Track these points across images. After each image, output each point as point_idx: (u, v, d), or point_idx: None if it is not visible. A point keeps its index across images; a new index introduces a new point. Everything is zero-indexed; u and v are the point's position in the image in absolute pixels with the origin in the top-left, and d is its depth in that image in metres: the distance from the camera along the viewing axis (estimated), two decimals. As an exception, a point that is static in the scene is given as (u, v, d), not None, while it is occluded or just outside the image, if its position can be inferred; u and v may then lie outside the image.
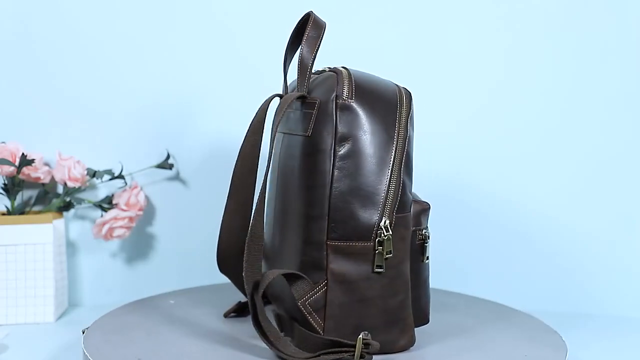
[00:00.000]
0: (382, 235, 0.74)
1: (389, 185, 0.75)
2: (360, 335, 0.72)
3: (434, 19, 1.15)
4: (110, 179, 1.14)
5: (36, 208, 1.14)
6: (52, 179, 1.12)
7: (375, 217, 0.75)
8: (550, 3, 1.12)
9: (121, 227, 1.11)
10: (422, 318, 0.81)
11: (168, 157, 1.15)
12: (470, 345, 0.80)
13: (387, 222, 0.75)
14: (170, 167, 1.15)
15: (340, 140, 0.75)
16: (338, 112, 0.75)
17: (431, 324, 0.85)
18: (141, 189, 1.14)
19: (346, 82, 0.76)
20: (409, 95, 0.78)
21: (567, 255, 1.13)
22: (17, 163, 1.07)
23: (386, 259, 0.74)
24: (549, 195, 1.13)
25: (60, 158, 1.10)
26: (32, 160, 1.06)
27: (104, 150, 1.16)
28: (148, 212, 1.17)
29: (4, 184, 1.09)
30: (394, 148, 0.76)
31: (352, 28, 1.12)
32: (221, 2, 1.16)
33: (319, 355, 0.73)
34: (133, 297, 1.04)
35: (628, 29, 1.11)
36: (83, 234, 1.17)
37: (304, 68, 0.79)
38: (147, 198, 1.17)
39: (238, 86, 1.15)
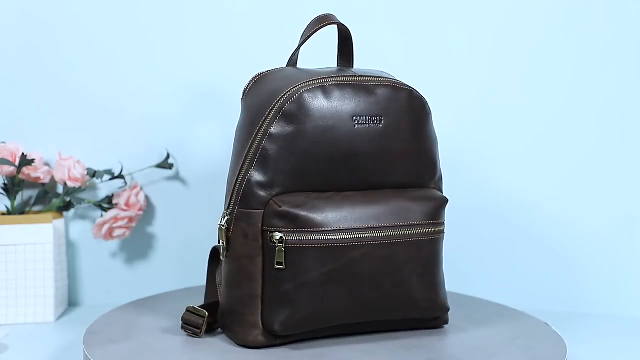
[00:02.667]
0: (221, 226, 0.79)
1: (236, 180, 0.79)
2: (188, 307, 0.82)
3: (432, 16, 1.15)
4: (110, 179, 1.14)
5: (36, 208, 1.14)
6: (52, 179, 1.12)
7: (224, 210, 0.80)
8: None
9: (121, 227, 1.11)
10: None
11: (168, 157, 1.15)
12: (470, 346, 0.80)
13: (226, 214, 0.79)
14: (170, 167, 1.15)
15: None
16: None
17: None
18: (141, 189, 1.14)
19: (251, 80, 0.85)
20: (292, 96, 0.77)
21: (567, 255, 1.12)
22: (17, 163, 1.07)
23: (227, 250, 0.79)
24: (549, 195, 1.13)
25: (60, 158, 1.10)
26: (32, 160, 1.06)
27: (104, 150, 1.16)
28: (148, 212, 1.17)
29: (4, 184, 1.09)
30: (249, 144, 0.78)
31: (351, 27, 1.12)
32: (223, 2, 1.16)
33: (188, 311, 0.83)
34: (133, 297, 1.04)
35: (628, 24, 1.11)
36: (83, 234, 1.17)
37: None
38: (147, 198, 1.17)
39: (238, 86, 1.15)
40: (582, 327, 1.03)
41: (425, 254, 0.80)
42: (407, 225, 0.79)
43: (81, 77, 1.16)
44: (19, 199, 1.13)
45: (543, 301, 1.12)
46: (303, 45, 0.87)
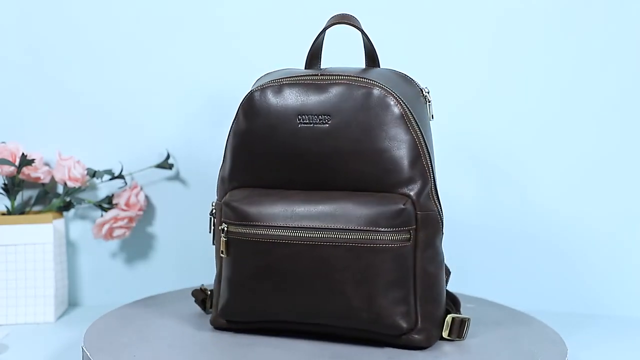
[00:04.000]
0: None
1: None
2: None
3: (433, 15, 1.15)
4: (110, 179, 1.14)
5: (36, 208, 1.14)
6: (52, 179, 1.12)
7: None
8: None
9: (121, 227, 1.11)
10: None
11: (168, 157, 1.15)
12: (470, 346, 0.80)
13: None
14: (170, 167, 1.15)
15: None
16: None
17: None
18: (141, 189, 1.14)
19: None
20: (247, 95, 0.82)
21: (568, 255, 1.12)
22: (17, 163, 1.07)
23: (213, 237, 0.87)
24: (551, 195, 1.13)
25: (60, 158, 1.10)
26: (32, 160, 1.06)
27: (104, 150, 1.16)
28: (148, 212, 1.17)
29: (4, 184, 1.09)
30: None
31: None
32: (221, 2, 1.16)
33: None
34: (133, 297, 1.04)
35: (628, 22, 1.11)
36: (83, 234, 1.17)
37: None
38: (147, 198, 1.17)
39: (238, 86, 1.15)
40: (583, 327, 1.03)
41: (364, 262, 0.75)
42: (345, 230, 0.75)
43: (81, 78, 1.16)
44: (19, 199, 1.13)
45: (543, 301, 1.12)
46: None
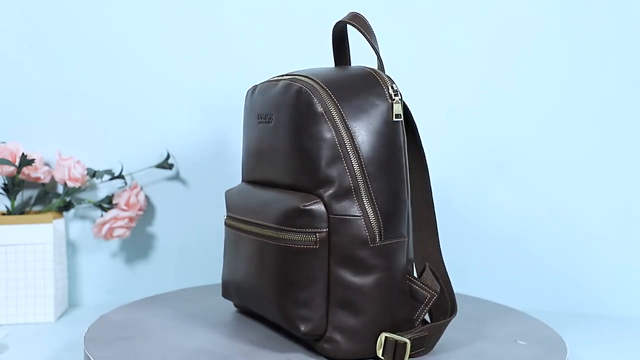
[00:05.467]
0: None
1: None
2: None
3: (431, 16, 1.15)
4: (110, 179, 1.14)
5: (36, 208, 1.14)
6: (52, 179, 1.12)
7: None
8: None
9: (121, 227, 1.11)
10: None
11: (168, 157, 1.15)
12: (470, 346, 0.80)
13: None
14: (170, 167, 1.15)
15: None
16: None
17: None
18: (141, 189, 1.14)
19: None
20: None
21: (567, 255, 1.12)
22: (17, 163, 1.07)
23: None
24: (549, 195, 1.13)
25: (60, 158, 1.10)
26: (32, 160, 1.06)
27: (104, 150, 1.16)
28: (148, 212, 1.17)
29: (4, 184, 1.09)
30: None
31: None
32: (222, 3, 1.16)
33: None
34: (133, 297, 1.04)
35: (627, 22, 1.11)
36: (83, 234, 1.17)
37: None
38: (147, 198, 1.17)
39: (238, 87, 1.15)
40: (582, 327, 1.03)
41: (273, 259, 0.75)
42: (263, 225, 0.77)
43: (81, 78, 1.16)
44: (19, 199, 1.13)
45: (543, 301, 1.12)
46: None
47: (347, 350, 0.73)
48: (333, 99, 0.74)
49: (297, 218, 0.73)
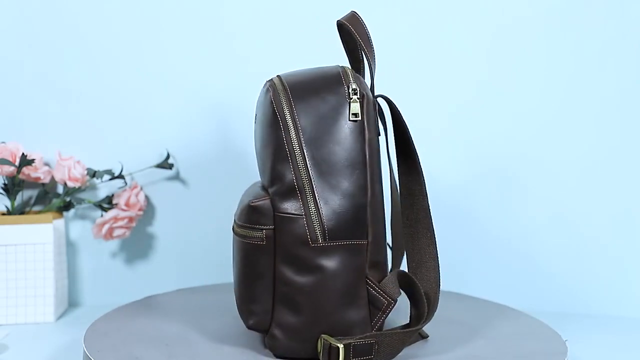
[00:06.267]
0: None
1: None
2: None
3: (431, 17, 1.15)
4: (110, 179, 1.14)
5: (36, 208, 1.14)
6: (52, 179, 1.12)
7: None
8: None
9: (121, 227, 1.11)
10: None
11: (168, 157, 1.15)
12: (470, 346, 0.80)
13: None
14: (170, 167, 1.15)
15: None
16: None
17: (431, 325, 0.85)
18: (141, 189, 1.14)
19: None
20: None
21: (567, 255, 1.12)
22: (17, 163, 1.07)
23: None
24: (549, 195, 1.13)
25: (60, 158, 1.10)
26: (32, 160, 1.06)
27: (104, 150, 1.16)
28: (148, 212, 1.17)
29: (4, 184, 1.09)
30: None
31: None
32: (222, 3, 1.16)
33: None
34: (133, 297, 1.04)
35: (627, 23, 1.11)
36: (83, 234, 1.17)
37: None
38: (147, 198, 1.17)
39: (238, 86, 1.15)
40: (582, 327, 1.03)
41: (235, 254, 0.78)
42: (235, 223, 0.78)
43: (81, 78, 1.16)
44: (19, 199, 1.13)
45: (543, 301, 1.12)
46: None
47: (286, 348, 0.74)
48: (289, 99, 0.74)
49: (249, 214, 0.74)
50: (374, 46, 0.80)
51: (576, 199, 1.12)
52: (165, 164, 1.15)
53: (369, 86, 0.78)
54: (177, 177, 1.18)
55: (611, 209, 1.11)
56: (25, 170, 1.08)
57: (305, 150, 0.73)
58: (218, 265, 1.14)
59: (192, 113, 1.16)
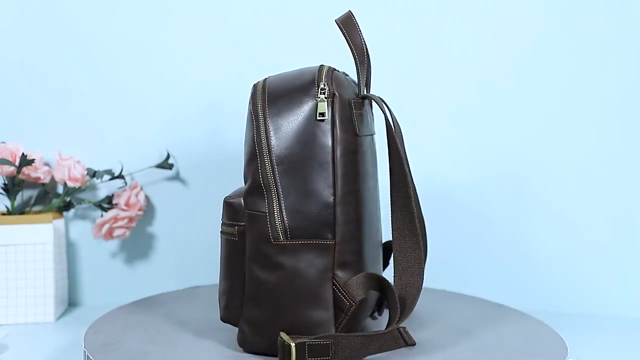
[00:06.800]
0: None
1: None
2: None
3: (431, 16, 1.15)
4: (110, 179, 1.14)
5: (36, 208, 1.14)
6: (52, 179, 1.12)
7: None
8: None
9: (121, 227, 1.11)
10: None
11: (168, 157, 1.15)
12: (470, 346, 0.80)
13: None
14: (170, 167, 1.15)
15: None
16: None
17: (431, 325, 0.85)
18: (141, 189, 1.14)
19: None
20: None
21: (568, 255, 1.12)
22: (17, 163, 1.07)
23: None
24: (548, 195, 1.13)
25: (60, 158, 1.10)
26: (32, 160, 1.06)
27: (104, 150, 1.16)
28: (148, 212, 1.17)
29: (4, 184, 1.09)
30: None
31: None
32: (221, 2, 1.16)
33: None
34: (133, 297, 1.05)
35: (627, 23, 1.11)
36: (83, 234, 1.17)
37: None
38: (147, 198, 1.17)
39: (238, 86, 1.15)
40: (582, 327, 1.03)
41: (221, 249, 0.79)
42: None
43: (81, 78, 1.16)
44: (19, 199, 1.13)
45: (543, 301, 1.12)
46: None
47: (252, 343, 0.76)
48: (265, 100, 0.75)
49: (227, 211, 0.77)
50: (368, 48, 0.78)
51: (576, 199, 1.12)
52: (165, 164, 1.15)
53: (362, 87, 0.78)
54: (177, 177, 1.18)
55: (611, 209, 1.11)
56: (25, 170, 1.09)
57: (273, 150, 0.74)
58: (218, 265, 1.14)
59: (192, 113, 1.16)
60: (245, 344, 0.77)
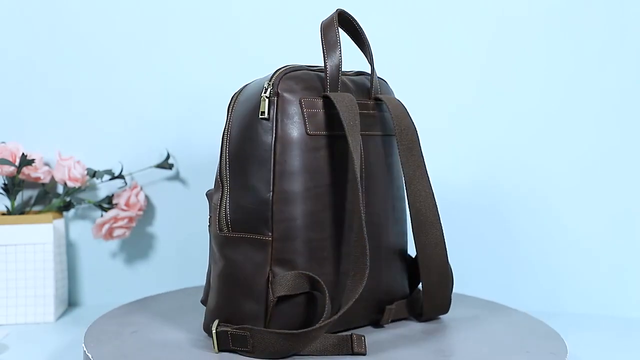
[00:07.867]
0: None
1: None
2: None
3: (431, 16, 1.15)
4: (110, 179, 1.14)
5: (36, 208, 1.14)
6: (52, 179, 1.12)
7: None
8: None
9: (121, 227, 1.11)
10: None
11: (168, 157, 1.15)
12: (470, 345, 0.80)
13: None
14: (170, 167, 1.15)
15: None
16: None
17: (431, 324, 0.85)
18: (141, 189, 1.14)
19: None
20: None
21: (567, 255, 1.13)
22: (17, 163, 1.07)
23: None
24: (548, 195, 1.13)
25: (60, 158, 1.10)
26: (32, 160, 1.06)
27: (104, 150, 1.16)
28: (148, 212, 1.17)
29: (4, 184, 1.09)
30: None
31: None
32: (221, 3, 1.16)
33: None
34: (133, 297, 1.05)
35: (627, 23, 1.11)
36: (83, 234, 1.17)
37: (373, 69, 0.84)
38: (147, 198, 1.17)
39: (239, 86, 1.15)
40: (582, 327, 1.03)
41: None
42: None
43: (81, 78, 1.16)
44: (19, 199, 1.13)
45: (543, 301, 1.12)
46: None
47: (206, 328, 0.80)
48: (236, 99, 0.80)
49: (208, 203, 0.81)
50: (341, 45, 0.79)
51: (576, 199, 1.12)
52: (165, 164, 1.15)
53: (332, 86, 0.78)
54: (177, 177, 1.18)
55: (611, 209, 1.11)
56: (25, 170, 1.09)
57: (228, 147, 0.78)
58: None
59: (193, 113, 1.16)
60: (207, 330, 0.80)
